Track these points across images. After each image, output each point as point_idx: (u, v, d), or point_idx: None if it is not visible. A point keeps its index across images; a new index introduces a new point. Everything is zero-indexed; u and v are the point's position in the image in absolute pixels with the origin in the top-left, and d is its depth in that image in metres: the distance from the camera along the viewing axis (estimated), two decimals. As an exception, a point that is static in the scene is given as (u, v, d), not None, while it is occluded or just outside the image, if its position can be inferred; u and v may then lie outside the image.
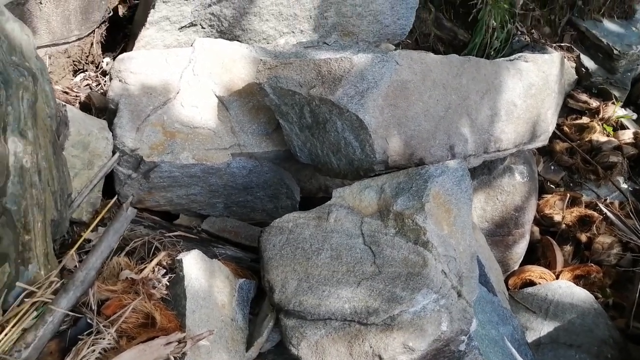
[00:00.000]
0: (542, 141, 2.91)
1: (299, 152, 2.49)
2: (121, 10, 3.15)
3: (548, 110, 2.82)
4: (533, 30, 4.29)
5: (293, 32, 2.98)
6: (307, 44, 2.48)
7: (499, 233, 3.31)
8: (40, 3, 2.46)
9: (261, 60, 2.36)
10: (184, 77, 2.55)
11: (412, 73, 2.26)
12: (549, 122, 2.87)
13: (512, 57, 2.76)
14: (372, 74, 2.18)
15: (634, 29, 4.49)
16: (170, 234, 2.35)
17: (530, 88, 2.68)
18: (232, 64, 2.63)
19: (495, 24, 4.05)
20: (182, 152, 2.42)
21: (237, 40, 2.86)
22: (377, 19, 3.17)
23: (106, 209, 2.25)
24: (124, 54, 2.59)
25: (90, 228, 2.13)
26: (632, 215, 3.61)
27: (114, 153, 2.39)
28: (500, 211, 3.21)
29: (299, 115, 2.36)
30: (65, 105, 2.29)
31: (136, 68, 2.53)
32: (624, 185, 3.97)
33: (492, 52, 4.19)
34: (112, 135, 2.39)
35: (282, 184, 2.73)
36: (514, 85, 2.62)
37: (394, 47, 3.20)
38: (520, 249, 3.39)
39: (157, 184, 2.47)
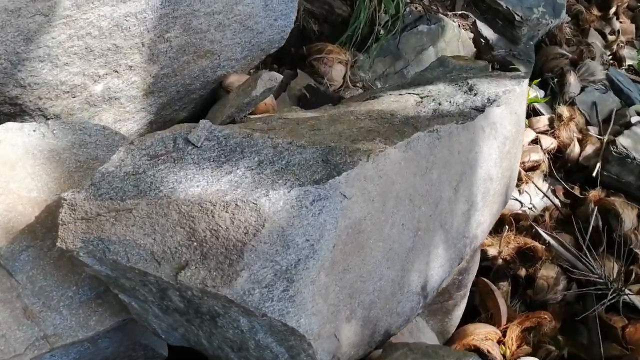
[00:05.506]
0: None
1: (163, 334, 1.36)
2: None
3: (518, 162, 1.96)
4: (424, -2, 3.36)
5: (117, 72, 1.72)
6: (154, 150, 1.24)
7: (438, 301, 2.49)
8: None
9: (65, 201, 1.13)
10: None
11: (369, 201, 1.21)
12: (516, 177, 2.02)
13: (482, 105, 1.79)
14: (305, 234, 1.09)
15: (533, -12, 3.77)
16: None
17: (504, 144, 1.77)
18: (9, 174, 1.36)
19: (380, -7, 3.06)
20: None
21: (17, 105, 1.55)
22: (245, 25, 2.00)
23: None
24: None
25: None
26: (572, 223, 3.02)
27: None
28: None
29: (159, 297, 1.21)
30: None
31: None
32: (545, 185, 3.35)
33: (382, 30, 3.23)
34: None
35: (136, 347, 1.60)
36: (490, 150, 1.69)
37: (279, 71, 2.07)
38: (460, 311, 2.63)
39: None
